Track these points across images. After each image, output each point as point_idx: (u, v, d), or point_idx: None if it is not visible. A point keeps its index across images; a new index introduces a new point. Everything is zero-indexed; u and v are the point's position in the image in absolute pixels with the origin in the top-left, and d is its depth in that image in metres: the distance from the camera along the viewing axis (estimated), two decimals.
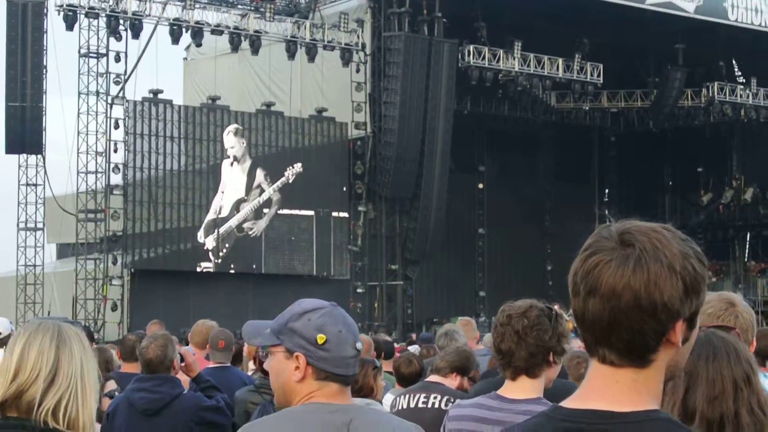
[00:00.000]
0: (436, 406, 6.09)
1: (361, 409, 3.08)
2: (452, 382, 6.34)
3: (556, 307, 4.49)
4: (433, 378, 6.44)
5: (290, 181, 37.97)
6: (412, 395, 6.34)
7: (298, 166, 38.19)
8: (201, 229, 36.51)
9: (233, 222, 37.02)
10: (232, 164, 37.35)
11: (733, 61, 48.48)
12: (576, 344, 7.43)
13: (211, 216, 36.69)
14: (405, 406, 6.28)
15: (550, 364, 4.23)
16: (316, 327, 2.93)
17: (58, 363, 2.98)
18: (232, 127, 37.39)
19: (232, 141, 37.28)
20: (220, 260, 36.65)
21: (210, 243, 36.51)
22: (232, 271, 36.95)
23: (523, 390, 4.22)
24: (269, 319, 3.15)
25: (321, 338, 2.91)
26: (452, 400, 5.80)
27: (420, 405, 6.19)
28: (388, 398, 7.35)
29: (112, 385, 7.47)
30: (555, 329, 4.20)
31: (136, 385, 6.63)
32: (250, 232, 37.32)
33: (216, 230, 36.63)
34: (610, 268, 1.99)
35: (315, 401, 2.93)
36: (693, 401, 2.78)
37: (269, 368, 3.01)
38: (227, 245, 36.81)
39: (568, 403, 2.09)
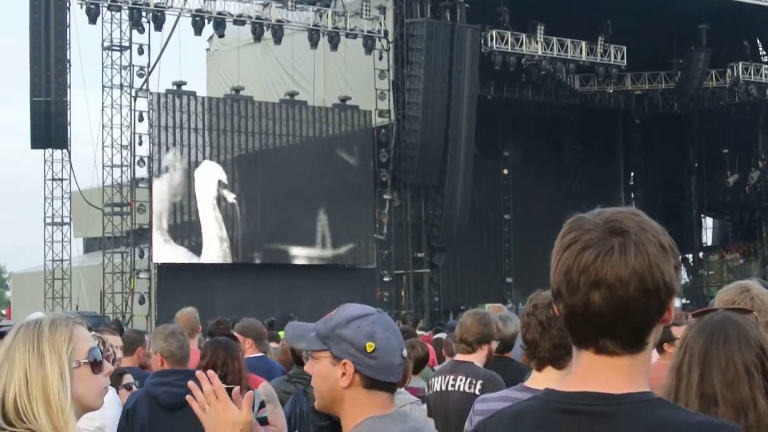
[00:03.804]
0: (461, 389, 6.27)
1: (408, 414, 3.10)
2: (481, 353, 6.47)
3: None
4: (460, 357, 6.55)
5: None
6: (443, 377, 6.51)
7: None
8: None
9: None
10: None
11: (758, 41, 48.17)
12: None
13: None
14: (438, 389, 6.49)
15: None
16: (366, 334, 2.89)
17: None
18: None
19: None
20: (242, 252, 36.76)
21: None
22: (257, 262, 36.98)
23: (549, 381, 4.20)
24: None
25: (370, 346, 2.87)
26: (474, 383, 6.17)
27: (449, 388, 6.38)
28: None
29: (129, 378, 7.44)
30: None
31: (156, 379, 6.56)
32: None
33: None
34: (613, 258, 1.99)
35: (374, 415, 2.88)
36: (710, 385, 2.80)
37: (312, 372, 2.98)
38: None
39: (561, 387, 2.10)
